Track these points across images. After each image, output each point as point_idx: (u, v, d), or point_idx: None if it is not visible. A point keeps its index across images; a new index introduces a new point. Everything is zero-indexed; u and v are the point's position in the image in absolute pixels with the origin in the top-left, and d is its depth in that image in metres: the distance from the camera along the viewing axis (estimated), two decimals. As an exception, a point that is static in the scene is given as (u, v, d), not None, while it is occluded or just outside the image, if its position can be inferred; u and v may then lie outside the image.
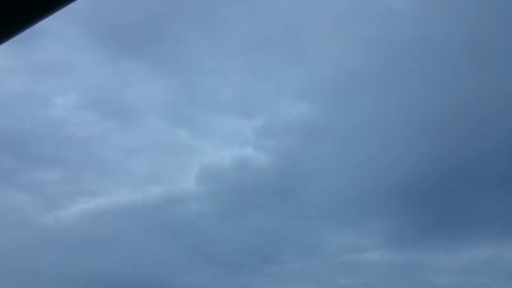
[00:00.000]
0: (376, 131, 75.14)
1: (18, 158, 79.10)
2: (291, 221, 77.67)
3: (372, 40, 72.87)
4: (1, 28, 2.70)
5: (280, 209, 77.87)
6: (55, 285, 67.32)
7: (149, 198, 78.91)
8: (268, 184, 78.38)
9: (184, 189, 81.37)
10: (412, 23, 70.56)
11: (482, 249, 68.70)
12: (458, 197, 71.07)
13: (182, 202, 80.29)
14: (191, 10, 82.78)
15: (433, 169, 69.21)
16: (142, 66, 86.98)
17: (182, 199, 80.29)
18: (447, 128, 72.20)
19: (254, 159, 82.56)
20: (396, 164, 72.90)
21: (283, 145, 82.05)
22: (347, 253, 73.28)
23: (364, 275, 72.42)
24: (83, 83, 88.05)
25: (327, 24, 76.76)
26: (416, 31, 69.83)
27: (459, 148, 70.11)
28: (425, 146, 71.45)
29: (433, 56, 74.14)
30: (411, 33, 69.52)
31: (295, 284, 72.28)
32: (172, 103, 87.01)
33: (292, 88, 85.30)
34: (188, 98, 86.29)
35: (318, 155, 78.58)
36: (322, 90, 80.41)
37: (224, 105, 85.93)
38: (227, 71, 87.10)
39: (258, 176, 79.42)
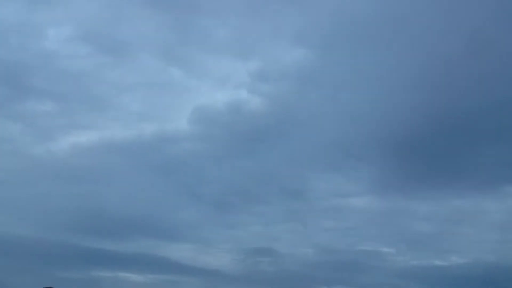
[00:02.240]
0: (371, 80, 75.05)
1: (10, 88, 78.54)
2: (281, 165, 78.74)
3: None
4: None
5: (270, 153, 78.83)
6: (46, 215, 68.47)
7: (142, 136, 79.34)
8: (260, 128, 78.90)
9: (177, 129, 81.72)
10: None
11: (465, 200, 70.44)
12: (445, 149, 72.18)
13: (174, 141, 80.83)
14: None
15: (423, 120, 69.82)
16: (136, 0, 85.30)
17: (175, 139, 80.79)
18: (441, 81, 72.14)
19: (248, 103, 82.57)
20: (388, 113, 73.31)
21: (277, 90, 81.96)
22: (333, 198, 74.98)
23: (348, 219, 74.30)
24: (76, 15, 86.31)
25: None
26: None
27: (449, 102, 70.39)
28: (418, 98, 71.67)
29: (438, 6, 73.04)
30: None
31: (281, 224, 74.27)
32: (166, 41, 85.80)
33: (289, 32, 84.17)
34: (183, 37, 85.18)
35: (312, 101, 78.81)
36: (319, 35, 79.47)
37: (219, 46, 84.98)
38: (224, 11, 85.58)
39: (251, 120, 79.79)
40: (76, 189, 79.68)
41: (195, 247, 78.01)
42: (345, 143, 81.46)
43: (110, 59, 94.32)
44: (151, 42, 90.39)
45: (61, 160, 79.29)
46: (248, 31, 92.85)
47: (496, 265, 61.49)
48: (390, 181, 79.37)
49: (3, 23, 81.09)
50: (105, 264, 66.52)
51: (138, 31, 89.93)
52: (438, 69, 69.66)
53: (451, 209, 72.32)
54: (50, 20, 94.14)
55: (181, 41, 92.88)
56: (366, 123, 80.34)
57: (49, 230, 68.51)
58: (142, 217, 76.16)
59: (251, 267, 69.15)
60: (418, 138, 75.65)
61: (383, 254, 67.01)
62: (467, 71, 69.32)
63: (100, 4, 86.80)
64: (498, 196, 71.33)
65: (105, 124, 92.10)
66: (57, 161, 78.22)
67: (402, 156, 76.38)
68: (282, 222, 79.44)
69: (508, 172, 69.57)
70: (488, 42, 67.67)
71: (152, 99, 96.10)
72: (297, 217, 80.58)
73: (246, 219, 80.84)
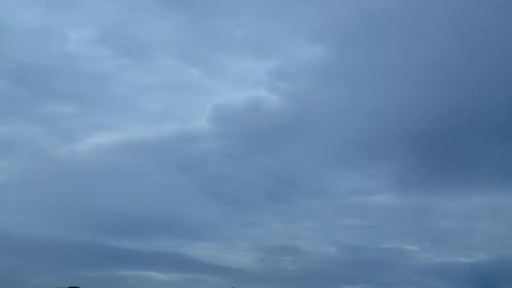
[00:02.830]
0: (389, 77, 74.53)
1: (33, 91, 79.87)
2: (300, 163, 78.68)
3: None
4: None
5: (289, 151, 78.77)
6: (70, 215, 69.40)
7: (162, 135, 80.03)
8: (279, 126, 78.92)
9: (196, 128, 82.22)
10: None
11: (486, 196, 69.49)
12: (466, 145, 71.27)
13: (194, 140, 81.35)
14: None
15: (443, 116, 69.07)
16: (155, 2, 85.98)
17: (194, 138, 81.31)
18: (460, 76, 71.26)
19: (266, 101, 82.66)
20: (407, 110, 72.69)
21: (295, 88, 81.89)
22: (353, 195, 74.57)
23: (370, 217, 73.88)
24: (96, 18, 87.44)
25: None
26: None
27: (469, 98, 69.53)
28: (437, 94, 70.93)
29: (457, 1, 72.20)
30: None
31: (301, 223, 74.13)
32: (185, 41, 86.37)
33: (307, 30, 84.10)
34: (201, 37, 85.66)
35: (330, 98, 78.49)
36: (337, 32, 79.13)
37: (237, 45, 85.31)
38: (241, 11, 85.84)
39: (269, 118, 79.90)
40: (99, 189, 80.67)
41: (217, 245, 78.37)
42: (365, 140, 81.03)
43: (130, 60, 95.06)
44: (170, 42, 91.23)
45: (83, 160, 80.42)
46: (265, 29, 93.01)
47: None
48: (412, 178, 78.66)
49: (25, 27, 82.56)
50: (129, 263, 67.27)
51: (157, 32, 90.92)
52: (457, 64, 68.90)
53: (475, 205, 71.40)
54: (71, 23, 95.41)
55: (200, 41, 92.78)
56: (386, 120, 79.82)
57: (74, 230, 69.45)
58: (164, 216, 76.77)
59: (273, 265, 69.25)
60: (438, 134, 74.91)
61: (406, 252, 66.55)
62: (487, 66, 68.42)
63: (119, 6, 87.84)
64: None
65: (126, 125, 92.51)
66: (80, 162, 79.39)
67: (423, 152, 75.71)
68: (303, 220, 79.32)
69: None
70: (507, 37, 66.81)
71: (172, 99, 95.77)
72: (318, 215, 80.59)
73: (267, 218, 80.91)
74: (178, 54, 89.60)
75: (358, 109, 77.59)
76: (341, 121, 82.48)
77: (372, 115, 77.60)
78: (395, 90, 74.71)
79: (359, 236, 72.58)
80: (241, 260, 72.97)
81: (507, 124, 72.30)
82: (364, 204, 75.02)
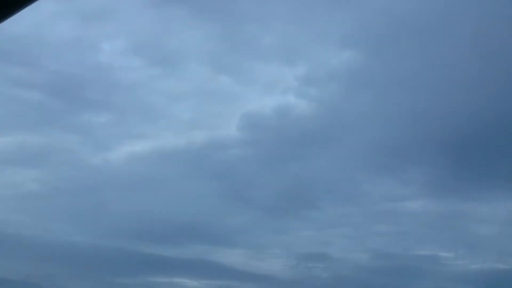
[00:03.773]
0: (421, 81, 73.58)
1: (67, 101, 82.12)
2: (331, 169, 78.24)
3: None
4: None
5: (320, 157, 78.47)
6: (103, 222, 70.72)
7: (192, 143, 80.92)
8: (309, 132, 78.75)
9: (226, 135, 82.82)
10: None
11: (525, 201, 67.34)
12: (502, 148, 69.52)
13: (224, 148, 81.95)
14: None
15: (477, 119, 67.61)
16: (184, 12, 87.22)
17: (224, 145, 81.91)
18: (496, 79, 69.63)
19: (296, 107, 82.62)
20: (440, 113, 71.50)
21: (325, 94, 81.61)
22: (385, 201, 73.71)
23: (402, 223, 72.80)
24: (128, 29, 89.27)
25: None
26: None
27: (505, 100, 67.85)
28: (471, 97, 69.53)
29: (490, 4, 70.79)
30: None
31: (332, 229, 73.63)
32: (214, 49, 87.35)
33: (336, 35, 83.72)
34: (230, 45, 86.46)
35: (360, 103, 77.93)
36: (366, 37, 78.71)
37: (266, 52, 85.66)
38: (269, 18, 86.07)
39: (299, 124, 79.79)
40: (131, 197, 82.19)
41: (247, 252, 78.58)
42: (396, 145, 80.00)
43: (161, 69, 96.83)
44: (200, 51, 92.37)
45: (117, 168, 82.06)
46: (294, 35, 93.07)
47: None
48: (445, 183, 77.15)
49: (59, 39, 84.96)
50: (160, 269, 68.04)
51: (186, 41, 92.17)
52: (492, 67, 67.33)
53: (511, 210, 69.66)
54: (104, 34, 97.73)
55: (229, 49, 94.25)
56: (418, 124, 78.62)
57: (106, 237, 70.85)
58: (196, 223, 77.51)
59: (303, 272, 68.79)
60: (473, 137, 73.22)
61: (441, 259, 64.93)
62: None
63: (150, 18, 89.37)
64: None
65: (158, 133, 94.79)
66: (114, 170, 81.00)
67: (457, 156, 74.16)
68: (334, 227, 78.71)
69: None
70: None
71: (202, 107, 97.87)
72: (349, 222, 79.80)
73: (297, 224, 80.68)
74: (208, 62, 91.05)
75: (389, 114, 76.80)
76: (371, 126, 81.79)
77: (403, 119, 76.67)
78: (426, 94, 73.67)
79: (391, 243, 72.07)
80: (272, 267, 72.88)
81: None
82: (396, 210, 73.97)
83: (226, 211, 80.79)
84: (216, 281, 69.45)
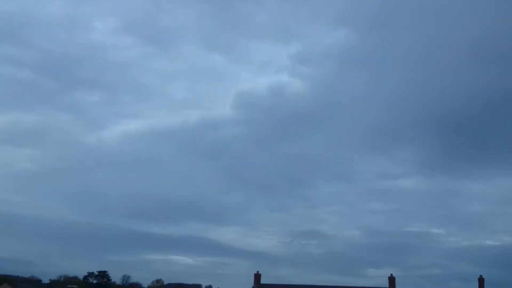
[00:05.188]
0: (415, 60, 73.75)
1: (60, 80, 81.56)
2: (325, 148, 78.68)
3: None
4: None
5: (313, 136, 78.80)
6: (98, 201, 70.72)
7: (187, 122, 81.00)
8: (303, 111, 79.00)
9: (220, 115, 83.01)
10: None
11: (514, 178, 67.94)
12: (494, 128, 70.04)
13: (219, 127, 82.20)
14: None
15: (470, 99, 67.99)
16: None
17: (219, 124, 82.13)
18: (484, 60, 69.63)
19: (289, 86, 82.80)
20: (433, 93, 71.75)
21: (319, 73, 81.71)
22: (379, 180, 74.47)
23: (395, 201, 73.54)
24: (120, 7, 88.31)
25: None
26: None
27: (495, 81, 68.00)
28: (462, 77, 69.73)
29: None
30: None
31: (327, 207, 74.43)
32: (208, 28, 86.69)
33: (329, 14, 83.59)
34: (223, 23, 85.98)
35: (354, 83, 78.11)
36: (360, 16, 78.63)
37: (260, 31, 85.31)
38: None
39: (293, 103, 79.97)
40: (126, 176, 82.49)
41: (242, 230, 79.56)
42: (390, 124, 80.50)
43: (154, 48, 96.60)
44: (193, 30, 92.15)
45: (111, 148, 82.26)
46: (288, 15, 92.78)
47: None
48: (438, 162, 77.92)
49: (51, 17, 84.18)
50: (156, 247, 68.66)
51: (179, 20, 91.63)
52: (484, 47, 67.44)
53: (502, 188, 70.42)
54: (96, 13, 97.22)
55: (222, 28, 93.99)
56: (411, 104, 79.00)
57: (101, 216, 71.40)
58: (191, 201, 77.97)
59: (297, 249, 69.78)
60: (465, 117, 73.78)
61: (433, 235, 66.25)
62: (509, 46, 66.79)
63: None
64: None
65: (152, 112, 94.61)
66: (108, 149, 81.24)
67: (449, 136, 74.79)
68: (328, 205, 79.60)
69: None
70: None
71: (196, 86, 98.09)
72: (343, 200, 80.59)
73: (292, 202, 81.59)
74: (201, 41, 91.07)
75: (383, 93, 77.12)
76: (365, 106, 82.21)
77: (397, 99, 77.08)
78: (419, 74, 73.84)
79: (384, 220, 73.34)
80: (266, 244, 73.88)
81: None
82: (389, 188, 74.92)
83: (221, 189, 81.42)
84: (211, 258, 70.25)
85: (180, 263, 66.41)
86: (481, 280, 25.72)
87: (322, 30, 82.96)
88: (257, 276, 28.66)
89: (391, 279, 24.62)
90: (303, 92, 79.93)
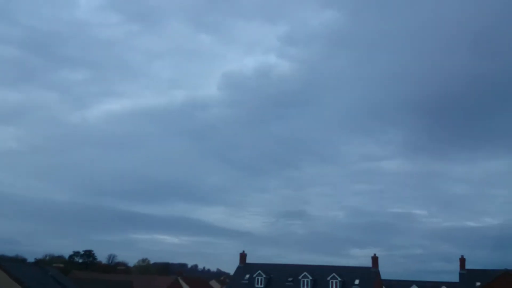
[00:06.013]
0: (401, 42, 73.91)
1: (44, 57, 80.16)
2: (311, 130, 78.95)
3: None
4: None
5: (300, 117, 78.99)
6: (83, 181, 70.31)
7: (173, 102, 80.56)
8: (289, 92, 79.03)
9: (207, 95, 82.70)
10: None
11: (499, 161, 69.24)
12: (478, 110, 70.90)
13: (205, 107, 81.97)
14: None
15: (454, 82, 68.56)
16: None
17: (205, 105, 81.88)
18: (472, 43, 69.97)
19: (277, 67, 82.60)
20: (418, 76, 72.16)
21: (306, 54, 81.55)
22: (363, 161, 75.26)
23: (379, 182, 74.53)
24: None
25: None
26: None
27: (480, 63, 68.44)
28: (448, 60, 70.16)
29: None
30: None
31: (312, 188, 75.07)
32: (195, 7, 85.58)
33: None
34: (211, 2, 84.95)
35: (340, 65, 78.19)
36: (349, -3, 77.96)
37: (248, 11, 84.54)
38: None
39: (280, 85, 79.90)
40: (111, 155, 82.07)
41: (228, 210, 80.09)
42: (375, 106, 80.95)
43: (140, 26, 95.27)
44: (180, 8, 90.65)
45: (95, 127, 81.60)
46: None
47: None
48: (422, 144, 78.78)
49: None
50: (142, 227, 68.95)
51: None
52: (470, 31, 67.79)
53: (485, 171, 71.66)
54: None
55: (210, 7, 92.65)
56: (396, 86, 79.45)
57: (88, 195, 71.28)
58: (176, 182, 78.05)
59: (282, 229, 70.59)
60: (449, 100, 74.43)
61: (415, 216, 67.38)
62: (494, 32, 67.23)
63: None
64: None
65: (137, 92, 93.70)
66: (92, 128, 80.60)
67: (434, 119, 75.51)
68: (313, 186, 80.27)
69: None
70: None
71: (182, 66, 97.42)
72: (328, 181, 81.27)
73: (277, 183, 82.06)
74: (188, 20, 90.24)
75: (369, 75, 77.38)
76: (352, 87, 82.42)
77: (382, 81, 77.43)
78: (407, 56, 74.07)
79: (368, 201, 74.44)
80: (252, 224, 74.56)
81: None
82: (373, 169, 75.76)
83: (207, 170, 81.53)
84: (196, 238, 70.81)
85: (166, 243, 66.87)
86: (462, 260, 26.31)
87: (310, 11, 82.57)
88: (243, 256, 29.02)
89: (374, 259, 25.06)
90: (290, 73, 79.93)
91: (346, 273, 24.41)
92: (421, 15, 70.81)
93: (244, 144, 79.70)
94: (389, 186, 73.92)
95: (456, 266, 26.49)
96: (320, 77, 79.22)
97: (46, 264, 30.96)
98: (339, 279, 24.02)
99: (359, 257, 63.87)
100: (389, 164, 72.92)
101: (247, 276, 26.30)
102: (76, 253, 42.88)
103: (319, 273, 24.68)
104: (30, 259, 48.26)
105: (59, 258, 41.40)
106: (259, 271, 25.89)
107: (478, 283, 23.26)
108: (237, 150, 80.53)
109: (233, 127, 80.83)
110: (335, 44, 79.27)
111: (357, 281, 23.96)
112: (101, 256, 45.84)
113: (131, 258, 55.65)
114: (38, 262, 37.81)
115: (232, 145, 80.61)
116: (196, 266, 62.67)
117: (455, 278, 26.61)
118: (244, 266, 27.47)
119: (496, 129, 71.85)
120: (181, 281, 31.67)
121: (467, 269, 26.46)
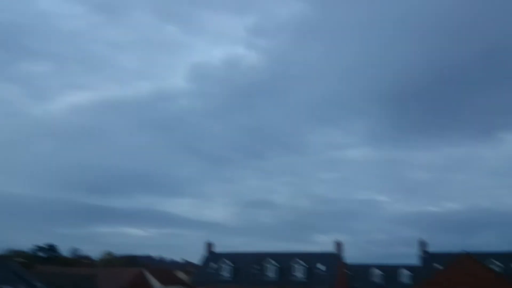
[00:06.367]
0: (368, 33, 74.83)
1: (5, 50, 77.87)
2: (278, 120, 79.32)
3: None
4: None
5: (267, 108, 79.24)
6: (46, 174, 68.93)
7: (139, 94, 79.49)
8: (257, 83, 79.08)
9: (174, 86, 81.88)
10: None
11: (459, 148, 71.18)
12: (439, 99, 72.64)
13: (172, 98, 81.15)
14: None
15: (417, 72, 69.92)
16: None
17: (172, 96, 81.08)
18: (433, 33, 71.44)
19: (245, 58, 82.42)
20: (382, 66, 73.39)
21: (274, 45, 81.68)
22: (329, 150, 76.06)
23: (344, 170, 75.51)
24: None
25: None
26: None
27: (442, 54, 70.06)
28: (412, 50, 71.47)
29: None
30: None
31: (278, 177, 75.57)
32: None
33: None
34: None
35: (308, 56, 78.63)
36: (315, -13, 78.34)
37: (214, 1, 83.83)
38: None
39: (248, 75, 79.82)
40: (75, 148, 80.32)
41: (195, 201, 79.62)
42: (341, 96, 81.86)
43: (104, 17, 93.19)
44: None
45: (59, 120, 79.62)
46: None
47: (491, 210, 63.15)
48: (385, 132, 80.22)
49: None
50: (107, 220, 67.88)
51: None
52: (431, 21, 69.20)
53: (446, 157, 73.63)
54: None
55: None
56: (363, 77, 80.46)
57: (50, 188, 69.62)
58: (142, 174, 77.24)
59: (249, 218, 70.87)
60: (412, 89, 75.93)
61: (378, 203, 68.39)
62: (457, 22, 68.82)
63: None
64: (492, 143, 73.04)
65: (102, 83, 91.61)
66: (56, 121, 78.60)
67: (397, 107, 76.93)
68: (279, 175, 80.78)
69: (501, 119, 70.61)
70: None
71: (148, 57, 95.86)
72: (294, 170, 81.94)
73: (243, 173, 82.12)
74: (154, 11, 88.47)
75: (336, 66, 78.06)
76: (318, 78, 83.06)
77: (349, 71, 78.28)
78: (372, 47, 75.08)
79: (333, 189, 75.35)
80: (219, 214, 74.49)
81: (479, 79, 73.85)
82: (339, 158, 76.67)
83: (173, 161, 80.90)
84: (163, 229, 70.30)
85: (132, 235, 66.16)
86: (422, 243, 27.07)
87: (278, 2, 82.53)
88: (209, 245, 29.08)
89: (338, 244, 25.50)
90: (258, 64, 79.91)
91: (310, 259, 24.76)
92: (389, 6, 71.89)
93: (211, 135, 79.49)
94: (354, 174, 75.19)
95: (417, 250, 27.28)
96: (288, 67, 79.58)
97: (7, 259, 30.30)
98: (304, 264, 24.38)
99: (324, 243, 64.88)
100: (354, 152, 74.12)
101: (214, 265, 26.40)
102: (39, 248, 42.14)
103: (284, 260, 24.96)
104: (-9, 254, 47.22)
105: (21, 253, 40.59)
106: (225, 260, 26.02)
107: (436, 265, 24.00)
108: (204, 141, 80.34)
109: (200, 118, 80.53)
110: (303, 35, 79.68)
111: (320, 266, 24.35)
112: (65, 250, 45.22)
113: (95, 252, 54.94)
114: (-1, 258, 37.11)
115: (199, 136, 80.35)
116: (163, 258, 62.39)
117: (417, 261, 27.39)
118: (210, 255, 27.54)
119: (458, 117, 73.97)
120: (146, 273, 31.51)
121: (428, 252, 27.25)
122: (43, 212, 62.54)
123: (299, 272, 24.57)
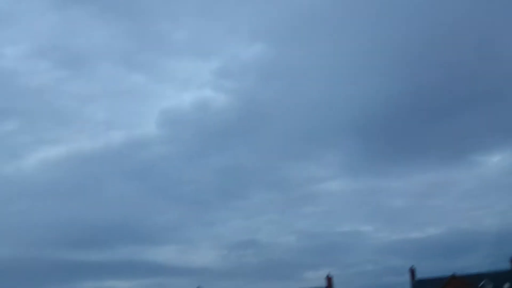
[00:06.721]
0: (329, 69, 76.81)
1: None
2: (253, 159, 79.72)
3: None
4: None
5: (241, 147, 79.67)
6: (23, 233, 67.39)
7: (111, 144, 79.04)
8: (228, 124, 79.68)
9: (146, 134, 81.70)
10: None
11: (434, 173, 72.54)
12: (408, 127, 74.55)
13: (145, 146, 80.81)
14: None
15: (383, 101, 71.70)
16: (88, 12, 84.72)
17: (145, 144, 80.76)
18: (393, 64, 74.29)
19: (213, 100, 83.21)
20: (348, 98, 75.23)
21: (240, 86, 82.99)
22: (308, 184, 76.28)
23: (324, 203, 75.69)
24: (32, 32, 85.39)
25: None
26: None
27: (406, 84, 72.61)
28: (375, 83, 73.73)
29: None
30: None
31: (260, 216, 75.10)
32: (124, 48, 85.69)
33: (245, 29, 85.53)
34: (141, 42, 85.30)
35: (275, 94, 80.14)
36: (275, 30, 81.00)
37: (179, 48, 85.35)
38: (179, 14, 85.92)
39: (218, 117, 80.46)
40: (51, 204, 78.57)
41: (179, 247, 77.95)
42: (310, 131, 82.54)
43: (70, 71, 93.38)
44: (109, 50, 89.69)
45: (31, 176, 77.79)
46: (205, 31, 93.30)
47: (470, 232, 63.86)
48: (358, 163, 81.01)
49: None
50: (90, 274, 65.71)
51: (93, 41, 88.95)
52: (389, 53, 71.92)
53: (422, 183, 74.22)
54: (6, 38, 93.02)
55: (140, 47, 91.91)
56: (329, 110, 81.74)
57: (29, 247, 67.14)
58: (122, 224, 75.68)
59: (235, 260, 69.68)
60: (380, 118, 77.21)
61: (362, 233, 67.98)
62: (422, 51, 71.56)
63: (52, 20, 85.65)
64: (465, 165, 73.28)
65: (72, 137, 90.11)
66: (28, 178, 76.83)
67: (368, 137, 77.96)
68: (261, 213, 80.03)
69: (471, 142, 71.96)
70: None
71: (117, 107, 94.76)
72: (275, 207, 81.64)
73: (225, 215, 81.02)
74: (119, 61, 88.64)
75: (303, 102, 79.41)
76: (286, 115, 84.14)
77: (317, 106, 79.61)
78: (335, 81, 77.07)
79: (316, 223, 74.27)
80: (204, 259, 73.10)
81: (445, 102, 76.05)
82: (318, 191, 76.64)
83: (153, 209, 79.54)
84: (148, 279, 68.40)
85: (117, 288, 64.68)
86: (412, 271, 27.32)
87: (239, 46, 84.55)
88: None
89: (329, 279, 25.59)
90: (227, 105, 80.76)
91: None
92: (352, 40, 74.21)
93: (187, 179, 79.06)
94: (334, 206, 75.18)
95: (407, 277, 27.47)
96: (257, 107, 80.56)
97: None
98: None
99: (314, 279, 64.00)
100: (332, 184, 74.55)
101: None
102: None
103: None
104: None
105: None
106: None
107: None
108: (181, 186, 79.77)
109: (175, 163, 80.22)
110: (267, 74, 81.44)
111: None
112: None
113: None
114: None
115: (175, 182, 79.75)
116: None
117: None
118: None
119: (427, 143, 75.30)
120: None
121: (418, 279, 27.50)
122: (25, 273, 59.90)
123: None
